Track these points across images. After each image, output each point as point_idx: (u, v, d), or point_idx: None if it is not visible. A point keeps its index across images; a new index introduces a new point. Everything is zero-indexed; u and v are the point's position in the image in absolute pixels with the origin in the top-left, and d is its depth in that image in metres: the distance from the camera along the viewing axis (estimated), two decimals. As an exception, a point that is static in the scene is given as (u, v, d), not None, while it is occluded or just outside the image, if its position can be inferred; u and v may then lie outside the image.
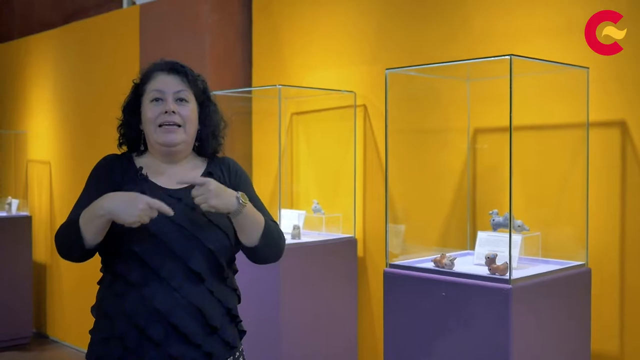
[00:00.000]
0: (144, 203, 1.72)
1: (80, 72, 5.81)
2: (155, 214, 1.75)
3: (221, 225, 1.88)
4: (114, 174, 1.92)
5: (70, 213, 1.89)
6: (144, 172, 1.92)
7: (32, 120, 6.47)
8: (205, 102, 2.00)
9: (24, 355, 5.75)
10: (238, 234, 1.90)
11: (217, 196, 1.79)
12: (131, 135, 1.99)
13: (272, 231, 1.96)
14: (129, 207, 1.71)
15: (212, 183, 1.80)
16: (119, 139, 2.02)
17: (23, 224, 6.07)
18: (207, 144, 2.01)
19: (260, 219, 1.92)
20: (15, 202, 6.14)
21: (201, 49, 4.51)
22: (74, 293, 5.80)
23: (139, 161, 1.97)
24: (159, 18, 4.87)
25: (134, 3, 5.34)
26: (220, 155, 2.09)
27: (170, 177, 1.93)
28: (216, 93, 4.06)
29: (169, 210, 1.76)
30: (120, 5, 5.69)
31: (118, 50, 5.32)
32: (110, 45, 5.44)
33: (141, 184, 1.89)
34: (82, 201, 1.88)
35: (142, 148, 1.98)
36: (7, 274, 5.89)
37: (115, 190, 1.83)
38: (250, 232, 1.89)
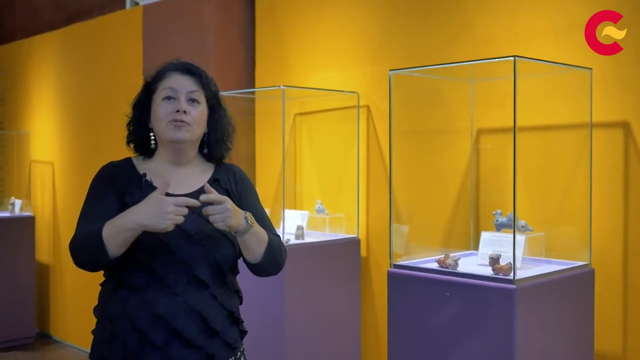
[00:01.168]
0: (171, 205, 1.71)
1: (83, 72, 5.82)
2: (185, 211, 1.74)
3: (227, 234, 1.88)
4: (117, 180, 1.91)
5: (81, 222, 1.88)
6: (147, 178, 1.91)
7: (35, 121, 6.48)
8: (215, 107, 2.00)
9: (27, 355, 5.76)
10: (242, 251, 1.90)
11: (233, 216, 1.78)
12: (140, 133, 1.98)
13: (274, 248, 1.95)
14: (159, 215, 1.70)
15: (229, 202, 1.78)
16: (128, 137, 2.01)
17: (26, 224, 6.08)
18: (215, 149, 2.01)
19: (264, 236, 1.91)
20: (18, 203, 6.16)
21: (204, 49, 4.51)
22: (77, 293, 5.81)
23: (143, 166, 1.96)
24: (162, 19, 4.88)
25: (136, 4, 5.34)
26: (226, 161, 2.09)
27: (175, 181, 1.92)
28: (219, 94, 4.07)
29: (195, 203, 1.75)
30: (123, 6, 5.70)
31: (121, 51, 5.33)
32: (113, 46, 5.45)
33: (146, 190, 1.87)
34: (90, 209, 1.88)
35: (153, 145, 1.96)
36: (11, 274, 5.90)
37: (120, 197, 1.85)
38: (255, 250, 1.89)
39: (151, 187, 1.88)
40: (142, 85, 2.01)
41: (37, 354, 5.82)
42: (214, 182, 1.97)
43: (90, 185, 1.96)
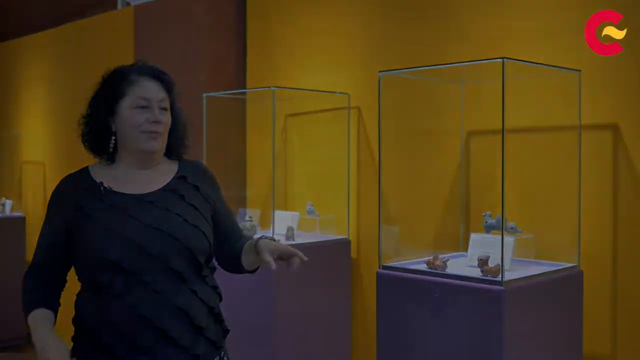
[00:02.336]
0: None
1: (75, 73, 5.80)
2: None
3: (198, 224, 1.89)
4: (72, 196, 1.88)
5: (36, 252, 1.96)
6: (106, 185, 1.88)
7: (27, 122, 6.46)
8: (173, 106, 1.99)
9: (17, 357, 5.74)
10: (249, 261, 1.99)
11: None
12: (100, 133, 1.94)
13: None
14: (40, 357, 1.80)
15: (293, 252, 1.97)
16: (83, 137, 1.98)
17: (17, 224, 6.05)
18: (175, 148, 2.01)
19: None
20: (9, 203, 6.13)
21: (196, 50, 4.51)
22: (67, 294, 5.77)
23: (103, 173, 1.93)
24: (154, 19, 4.87)
25: (128, 4, 5.34)
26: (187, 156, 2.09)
27: (140, 182, 1.91)
28: (210, 95, 4.07)
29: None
30: (114, 7, 5.69)
31: (112, 51, 5.31)
32: (104, 47, 5.43)
33: (107, 198, 1.86)
34: (42, 237, 1.93)
35: (112, 149, 1.93)
36: (1, 275, 5.88)
37: (78, 211, 1.84)
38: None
39: (113, 193, 1.86)
40: (100, 83, 1.97)
41: (28, 355, 5.79)
42: (180, 179, 1.96)
43: (47, 206, 1.95)
